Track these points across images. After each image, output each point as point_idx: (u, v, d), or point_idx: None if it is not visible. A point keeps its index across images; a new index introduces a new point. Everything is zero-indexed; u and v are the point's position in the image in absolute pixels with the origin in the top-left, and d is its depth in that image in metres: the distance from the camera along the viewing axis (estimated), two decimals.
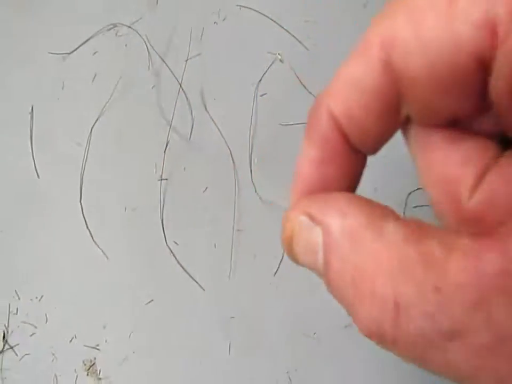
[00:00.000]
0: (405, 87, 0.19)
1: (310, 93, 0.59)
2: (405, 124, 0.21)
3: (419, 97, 0.19)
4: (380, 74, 0.19)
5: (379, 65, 0.19)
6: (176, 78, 0.59)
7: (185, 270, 0.56)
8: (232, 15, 0.61)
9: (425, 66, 0.18)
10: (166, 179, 0.59)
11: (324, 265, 0.19)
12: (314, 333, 0.55)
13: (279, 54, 0.60)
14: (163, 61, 0.60)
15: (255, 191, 0.58)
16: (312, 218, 0.20)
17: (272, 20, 0.60)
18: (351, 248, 0.18)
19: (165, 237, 0.57)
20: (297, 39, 0.60)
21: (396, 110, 0.20)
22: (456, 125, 0.20)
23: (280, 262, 0.56)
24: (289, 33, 0.60)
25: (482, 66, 0.17)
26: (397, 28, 0.18)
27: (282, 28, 0.60)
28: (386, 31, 0.19)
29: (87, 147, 0.59)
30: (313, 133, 0.21)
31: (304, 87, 0.59)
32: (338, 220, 0.19)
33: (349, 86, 0.21)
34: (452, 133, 0.20)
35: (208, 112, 0.60)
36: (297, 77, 0.59)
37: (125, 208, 0.58)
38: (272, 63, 0.60)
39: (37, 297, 0.56)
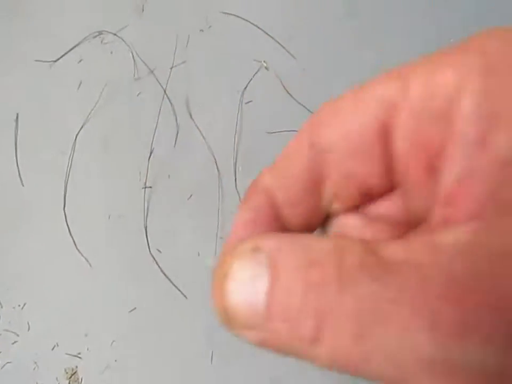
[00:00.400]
0: (325, 162, 0.21)
1: (296, 100, 0.59)
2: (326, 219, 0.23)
3: (337, 171, 0.21)
4: (305, 152, 0.22)
5: (306, 143, 0.22)
6: (161, 86, 0.59)
7: (168, 278, 0.56)
8: (218, 22, 0.61)
9: (341, 138, 0.21)
10: (150, 187, 0.58)
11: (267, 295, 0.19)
12: None
13: (264, 61, 0.60)
14: (148, 68, 0.60)
15: (239, 199, 0.58)
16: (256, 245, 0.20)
17: (258, 27, 0.60)
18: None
19: (148, 244, 0.57)
20: (283, 47, 0.60)
21: (319, 190, 0.22)
22: (371, 208, 0.22)
23: None
24: (275, 40, 0.60)
25: (386, 135, 0.20)
26: (323, 115, 0.22)
27: (268, 35, 0.60)
28: (313, 119, 0.22)
29: (72, 155, 0.59)
30: (249, 200, 0.23)
31: (290, 94, 0.59)
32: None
33: (285, 161, 0.23)
34: (366, 216, 0.22)
35: (193, 120, 0.60)
36: (283, 85, 0.59)
37: (109, 216, 0.57)
38: (258, 70, 0.60)
39: (19, 305, 0.55)
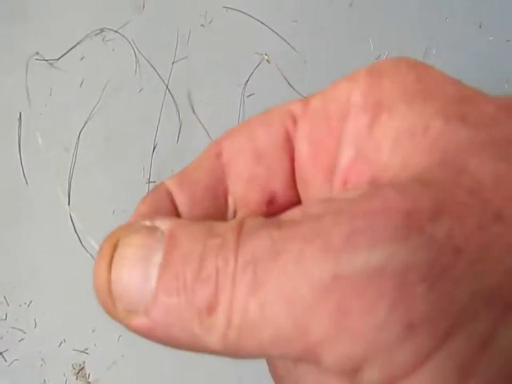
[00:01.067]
0: (228, 168, 0.23)
1: (298, 92, 0.59)
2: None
3: (240, 176, 0.22)
4: (211, 161, 0.23)
5: (213, 153, 0.23)
6: (163, 81, 0.59)
7: None
8: (219, 17, 0.61)
9: (246, 146, 0.22)
10: (154, 182, 0.58)
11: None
12: None
13: (265, 54, 0.60)
14: (150, 64, 0.60)
15: None
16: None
17: (259, 21, 0.60)
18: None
19: None
20: (284, 40, 0.60)
21: (222, 197, 0.23)
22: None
23: None
24: (276, 33, 0.60)
25: (290, 143, 0.22)
26: (234, 128, 0.24)
27: (269, 28, 0.60)
28: (225, 133, 0.24)
29: (75, 152, 0.59)
30: (149, 196, 0.24)
31: (292, 87, 0.59)
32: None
33: (190, 168, 0.25)
34: None
35: (195, 114, 0.60)
36: (284, 77, 0.59)
37: (113, 211, 0.58)
38: (259, 63, 0.59)
39: (25, 303, 0.55)
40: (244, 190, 0.22)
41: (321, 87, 0.58)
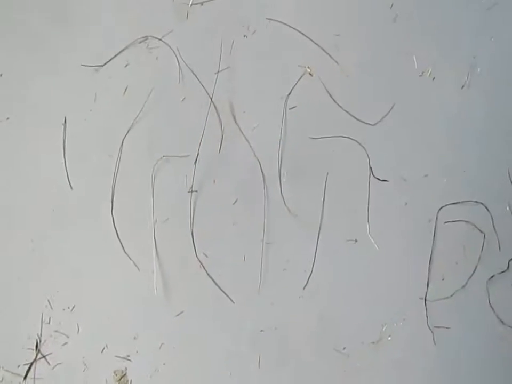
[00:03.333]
0: None
1: (340, 106, 0.58)
2: None
3: None
4: None
5: None
6: (206, 91, 0.59)
7: (215, 283, 0.56)
8: (262, 28, 0.61)
9: None
10: (196, 191, 0.58)
11: None
12: (344, 348, 0.54)
13: (308, 67, 0.59)
14: (193, 73, 0.60)
15: (284, 204, 0.58)
16: None
17: (302, 33, 0.60)
18: None
19: (195, 249, 0.57)
20: (327, 53, 0.59)
21: None
22: None
23: (310, 275, 0.55)
24: (319, 46, 0.59)
25: None
26: None
27: (312, 41, 0.59)
28: None
29: (119, 158, 0.59)
30: None
31: (334, 100, 0.58)
32: None
33: None
34: None
35: (237, 125, 0.59)
36: (327, 90, 0.58)
37: (156, 220, 0.58)
38: (302, 76, 0.59)
39: (69, 307, 0.56)
40: None
41: (363, 101, 0.58)
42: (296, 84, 0.59)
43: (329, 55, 0.59)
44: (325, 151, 0.58)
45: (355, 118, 0.58)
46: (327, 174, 0.58)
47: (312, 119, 0.59)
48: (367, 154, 0.57)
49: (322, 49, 0.60)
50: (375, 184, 0.56)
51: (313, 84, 0.59)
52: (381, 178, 0.57)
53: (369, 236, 0.55)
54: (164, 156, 0.59)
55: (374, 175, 0.57)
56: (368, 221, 0.56)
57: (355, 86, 0.59)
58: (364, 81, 0.59)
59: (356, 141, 0.57)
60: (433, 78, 0.58)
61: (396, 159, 0.56)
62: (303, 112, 0.59)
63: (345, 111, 0.58)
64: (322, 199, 0.57)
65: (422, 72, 0.58)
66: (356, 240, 0.56)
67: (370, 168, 0.57)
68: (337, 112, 0.58)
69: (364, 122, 0.57)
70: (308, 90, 0.59)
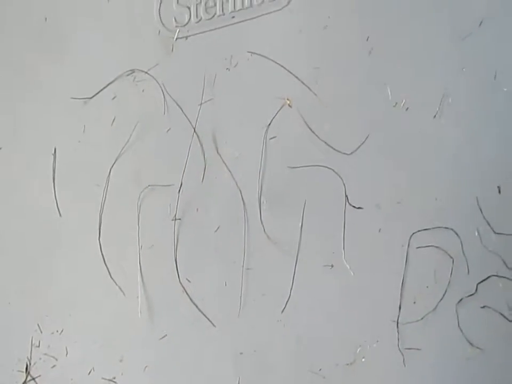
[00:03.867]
0: None
1: (317, 136, 0.61)
2: None
3: None
4: None
5: None
6: (190, 122, 0.62)
7: (197, 307, 0.59)
8: (243, 61, 0.64)
9: None
10: (180, 219, 0.61)
11: None
12: (320, 369, 0.56)
13: (288, 99, 0.62)
14: (178, 105, 0.63)
15: (264, 231, 0.60)
16: None
17: (282, 66, 0.63)
18: None
19: (178, 274, 0.60)
20: (305, 85, 0.62)
21: None
22: None
23: (288, 300, 0.58)
24: (298, 79, 0.62)
25: None
26: None
27: (291, 73, 0.62)
28: None
29: (106, 187, 0.61)
30: None
31: (312, 130, 0.61)
32: None
33: None
34: None
35: (219, 155, 0.62)
36: (305, 121, 0.61)
37: (141, 246, 0.60)
38: (281, 107, 0.62)
39: (57, 331, 0.59)
40: None
41: (341, 131, 0.60)
42: (275, 115, 0.62)
43: (308, 87, 0.62)
44: (303, 179, 0.60)
45: (332, 147, 0.60)
46: (305, 202, 0.60)
47: (291, 149, 0.62)
48: (343, 183, 0.59)
49: (301, 81, 0.62)
50: (350, 211, 0.59)
51: (293, 115, 0.62)
52: (356, 206, 0.59)
53: (345, 262, 0.58)
54: (149, 185, 0.62)
55: (349, 203, 0.59)
56: (343, 247, 0.58)
57: (332, 117, 0.61)
58: (340, 112, 0.62)
59: (333, 169, 0.60)
60: (407, 108, 0.60)
61: (371, 187, 0.59)
62: (282, 142, 0.62)
63: (323, 141, 0.60)
64: (300, 225, 0.59)
65: (396, 103, 0.61)
66: (332, 266, 0.58)
67: (346, 196, 0.59)
68: (315, 142, 0.61)
69: (340, 152, 0.60)
70: (287, 121, 0.62)
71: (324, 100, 0.62)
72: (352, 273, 0.58)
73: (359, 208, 0.60)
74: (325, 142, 0.61)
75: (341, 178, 0.60)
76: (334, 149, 0.61)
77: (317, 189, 0.61)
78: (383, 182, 0.60)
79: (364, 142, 0.61)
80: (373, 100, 0.62)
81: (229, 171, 0.62)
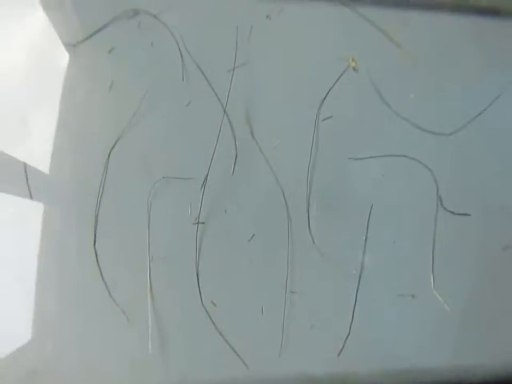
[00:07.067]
0: None
1: (396, 113, 0.50)
2: None
3: None
4: None
5: None
6: (216, 95, 0.51)
7: (224, 339, 0.51)
8: (292, 6, 0.51)
9: None
10: (203, 223, 0.50)
11: None
12: None
13: (352, 59, 0.50)
14: (200, 70, 0.51)
15: (313, 243, 0.50)
16: None
17: (346, 6, 0.49)
18: None
19: (200, 295, 0.50)
20: (380, 31, 0.50)
21: None
22: None
23: (347, 337, 0.48)
24: (368, 21, 0.49)
25: None
26: None
27: (361, 15, 0.50)
28: None
29: (104, 177, 0.50)
30: None
31: (387, 104, 0.50)
32: None
33: None
34: None
35: (255, 140, 0.51)
36: (377, 91, 0.48)
37: (152, 257, 0.50)
38: (343, 73, 0.49)
39: (32, 371, 0.48)
40: None
41: (435, 106, 0.47)
42: (333, 85, 0.50)
43: (386, 34, 0.49)
44: (370, 175, 0.50)
45: (419, 127, 0.50)
46: (372, 206, 0.50)
47: (354, 133, 0.51)
48: (434, 179, 0.49)
49: (376, 26, 0.48)
50: (444, 218, 0.49)
51: (357, 83, 0.52)
52: (455, 211, 0.48)
53: (434, 291, 0.47)
54: (163, 177, 0.51)
55: (443, 207, 0.48)
56: (432, 271, 0.49)
57: (421, 82, 0.50)
58: (435, 76, 0.49)
59: (417, 160, 0.49)
60: None
61: (476, 185, 0.50)
62: (341, 124, 0.51)
63: (403, 118, 0.50)
64: (364, 238, 0.50)
65: None
66: (413, 296, 0.49)
67: (439, 197, 0.49)
68: (392, 120, 0.50)
69: (433, 133, 0.49)
70: (349, 93, 0.51)
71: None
72: (447, 309, 0.49)
73: (460, 214, 0.48)
74: (407, 120, 0.50)
75: (431, 172, 0.49)
76: (423, 129, 0.48)
77: (391, 188, 0.51)
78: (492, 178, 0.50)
79: (475, 118, 0.49)
80: None
81: (267, 163, 0.51)
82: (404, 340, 0.51)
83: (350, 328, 0.50)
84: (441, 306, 0.50)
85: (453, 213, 0.49)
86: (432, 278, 0.50)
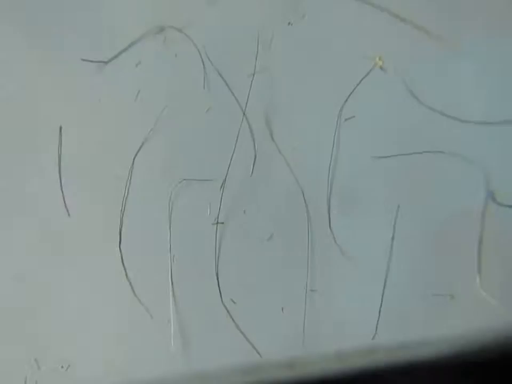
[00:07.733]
0: None
1: (423, 104, 0.51)
2: None
3: None
4: None
5: None
6: (236, 100, 0.54)
7: (245, 338, 0.52)
8: (315, 10, 0.53)
9: None
10: (222, 223, 0.52)
11: None
12: None
13: (379, 58, 0.49)
14: (221, 76, 0.53)
15: (335, 242, 0.51)
16: None
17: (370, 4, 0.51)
18: None
19: (220, 293, 0.51)
20: (411, 24, 0.51)
21: None
22: None
23: (375, 334, 0.46)
24: (396, 17, 0.51)
25: None
26: None
27: (384, 10, 0.52)
28: None
29: (129, 180, 0.53)
30: None
31: (417, 99, 0.50)
32: None
33: None
34: None
35: (274, 142, 0.52)
36: (407, 86, 0.49)
37: (173, 257, 0.51)
38: (369, 72, 0.49)
39: (62, 367, 0.50)
40: None
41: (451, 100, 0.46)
42: (358, 84, 0.51)
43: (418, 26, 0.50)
44: (395, 173, 0.50)
45: (454, 118, 0.49)
46: (398, 207, 0.50)
47: (374, 134, 0.51)
48: (483, 172, 0.48)
49: (404, 20, 0.50)
50: (496, 214, 0.47)
51: (383, 81, 0.51)
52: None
53: (481, 290, 0.48)
54: (184, 179, 0.52)
55: (497, 202, 0.47)
56: (479, 270, 0.47)
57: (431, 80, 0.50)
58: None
59: (458, 154, 0.49)
60: None
61: None
62: (362, 124, 0.51)
63: (431, 109, 0.49)
64: (391, 237, 0.49)
65: None
66: (452, 296, 0.47)
67: (491, 193, 0.48)
68: (419, 111, 0.49)
69: (474, 122, 0.48)
70: (373, 92, 0.51)
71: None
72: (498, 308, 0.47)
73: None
74: (440, 112, 0.49)
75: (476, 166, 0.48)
76: (461, 120, 0.48)
77: (419, 187, 0.50)
78: None
79: None
80: None
81: (287, 163, 0.52)
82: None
83: (376, 328, 0.48)
84: (487, 306, 0.48)
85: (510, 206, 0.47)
86: (478, 277, 0.47)
